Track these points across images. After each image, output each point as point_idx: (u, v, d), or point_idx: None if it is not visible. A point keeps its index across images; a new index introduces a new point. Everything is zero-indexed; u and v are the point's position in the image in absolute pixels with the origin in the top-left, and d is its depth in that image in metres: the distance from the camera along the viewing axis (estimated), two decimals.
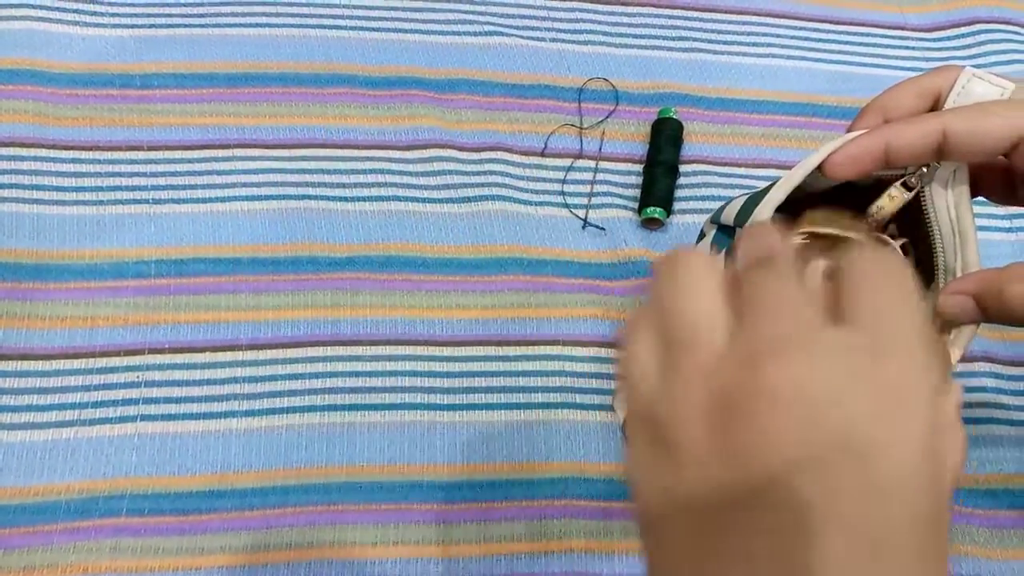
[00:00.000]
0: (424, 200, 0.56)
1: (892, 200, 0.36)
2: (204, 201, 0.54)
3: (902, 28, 0.68)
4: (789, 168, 0.62)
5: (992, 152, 0.33)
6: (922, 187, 0.36)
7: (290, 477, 0.47)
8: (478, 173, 0.57)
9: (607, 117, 0.61)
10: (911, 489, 0.22)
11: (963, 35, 0.67)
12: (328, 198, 0.55)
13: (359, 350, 0.51)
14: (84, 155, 0.55)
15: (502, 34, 0.63)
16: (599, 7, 0.65)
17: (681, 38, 0.65)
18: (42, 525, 0.45)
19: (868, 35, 0.67)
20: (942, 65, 0.36)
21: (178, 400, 0.49)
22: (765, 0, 0.67)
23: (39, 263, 0.51)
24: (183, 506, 0.46)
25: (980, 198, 0.38)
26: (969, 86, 0.35)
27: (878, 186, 0.37)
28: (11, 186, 0.53)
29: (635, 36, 0.64)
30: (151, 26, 0.60)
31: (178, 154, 0.55)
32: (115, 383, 0.49)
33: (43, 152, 0.54)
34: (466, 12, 0.63)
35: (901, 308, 0.24)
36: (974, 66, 0.36)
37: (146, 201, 0.54)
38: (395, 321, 0.52)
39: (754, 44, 0.65)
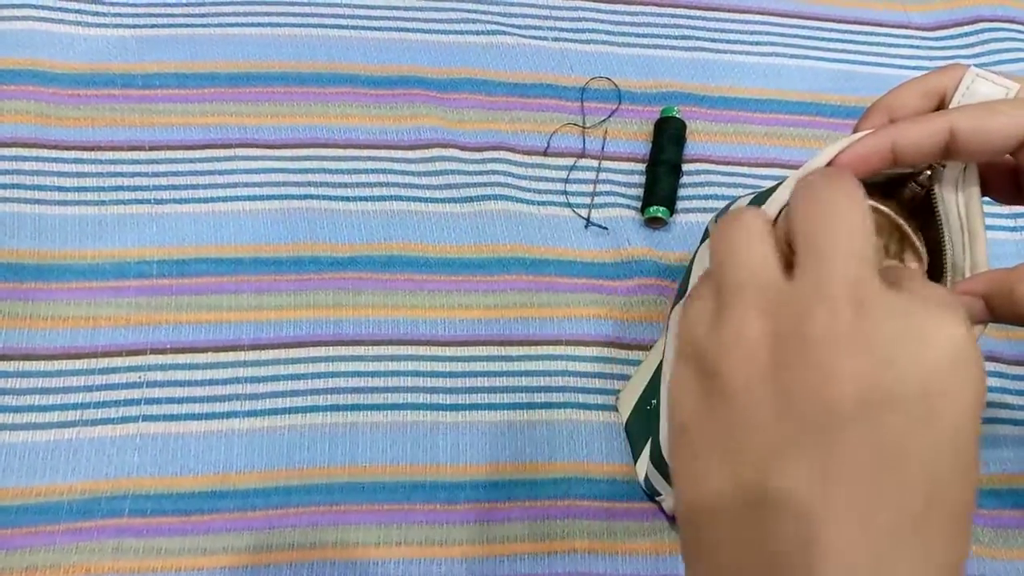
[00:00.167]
0: (426, 200, 0.56)
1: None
2: (206, 201, 0.54)
3: (906, 27, 0.68)
4: (792, 167, 0.62)
5: (999, 150, 0.33)
6: (932, 186, 0.36)
7: (292, 477, 0.47)
8: (480, 173, 0.57)
9: (610, 116, 0.60)
10: (964, 438, 0.24)
11: (966, 34, 0.67)
12: (330, 198, 0.55)
13: (361, 350, 0.51)
14: (86, 155, 0.55)
15: (504, 33, 0.63)
16: (602, 6, 0.65)
17: (684, 37, 0.64)
18: (44, 526, 0.45)
19: (872, 34, 0.67)
20: (946, 64, 0.36)
21: (180, 400, 0.49)
22: None
23: (41, 263, 0.51)
24: (185, 506, 0.46)
25: (985, 198, 0.38)
26: (974, 86, 0.35)
27: (887, 185, 0.37)
28: (13, 186, 0.53)
29: (638, 35, 0.64)
30: (153, 26, 0.60)
31: (180, 154, 0.55)
32: (117, 383, 0.49)
33: (45, 152, 0.54)
34: (468, 11, 0.63)
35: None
36: (978, 64, 0.36)
37: (148, 201, 0.54)
38: (397, 321, 0.52)
39: (757, 43, 0.65)
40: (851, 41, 0.66)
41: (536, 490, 0.48)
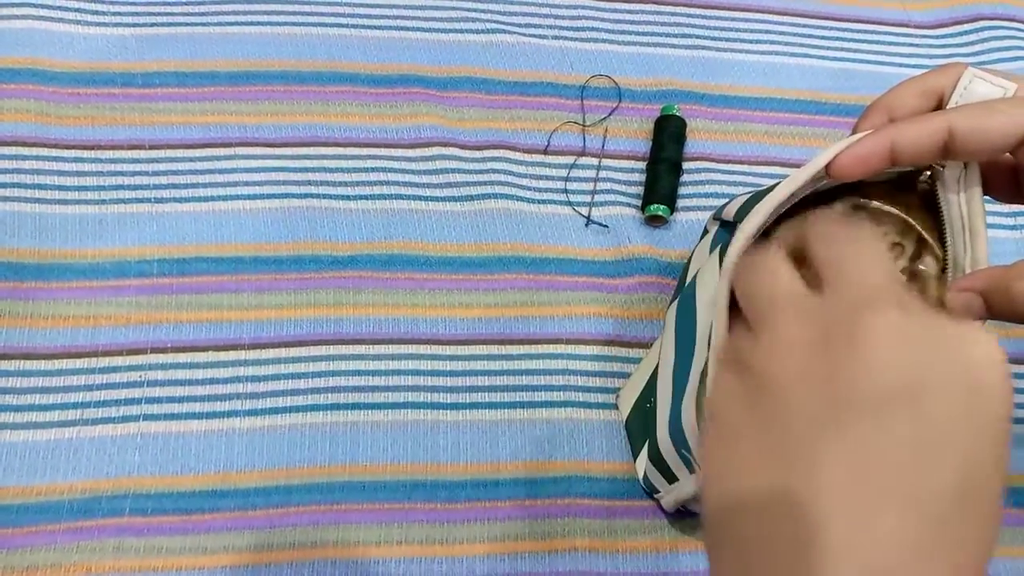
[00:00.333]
0: (427, 198, 0.56)
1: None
2: (206, 200, 0.54)
3: (905, 25, 0.68)
4: (792, 165, 0.62)
5: (998, 149, 0.33)
6: (934, 185, 0.36)
7: (293, 476, 0.47)
8: (481, 171, 0.57)
9: (610, 114, 0.60)
10: (1001, 436, 0.25)
11: (966, 32, 0.67)
12: (330, 196, 0.55)
13: (362, 349, 0.51)
14: (86, 154, 0.55)
15: (504, 31, 0.63)
16: (601, 4, 0.65)
17: (684, 35, 0.64)
18: (45, 525, 0.45)
19: (871, 32, 0.67)
20: (944, 64, 0.36)
21: (181, 399, 0.49)
22: None
23: (41, 262, 0.51)
24: (186, 505, 0.46)
25: (985, 196, 0.38)
26: (971, 87, 0.35)
27: (901, 181, 0.37)
28: (13, 185, 0.53)
29: (638, 33, 0.64)
30: (152, 24, 0.59)
31: (180, 153, 0.55)
32: (118, 382, 0.49)
33: (45, 151, 0.54)
34: (468, 10, 0.63)
35: None
36: (978, 62, 0.36)
37: (148, 200, 0.54)
38: (398, 320, 0.52)
39: (757, 41, 0.65)
40: (851, 39, 0.66)
41: (537, 488, 0.48)
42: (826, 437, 0.25)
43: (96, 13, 0.59)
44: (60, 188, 0.53)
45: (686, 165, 0.59)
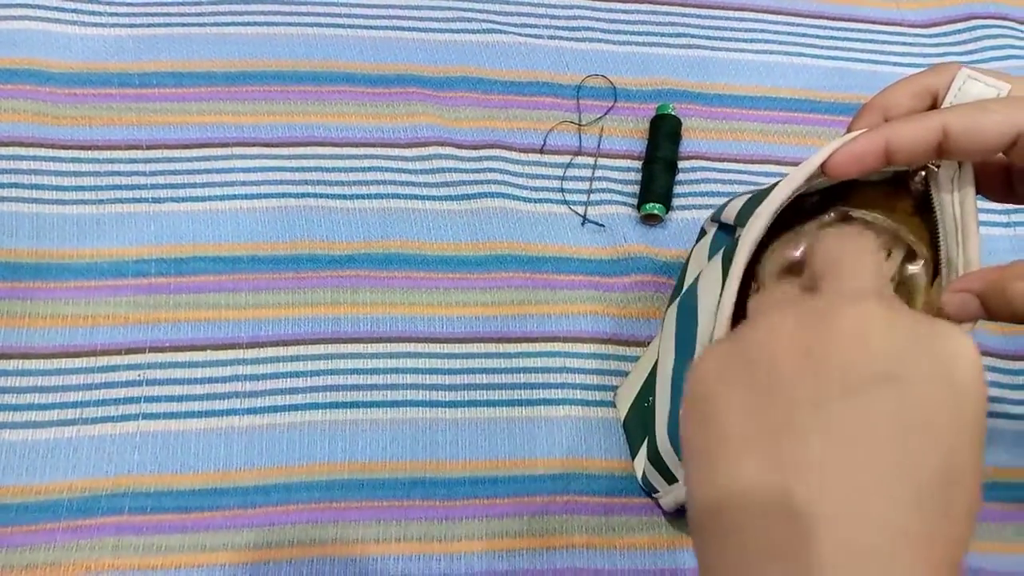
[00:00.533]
0: (423, 197, 0.56)
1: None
2: (203, 200, 0.54)
3: (899, 24, 0.68)
4: (787, 164, 0.62)
5: (991, 149, 0.34)
6: (928, 185, 0.36)
7: (292, 475, 0.48)
8: (477, 170, 0.57)
9: (605, 114, 0.61)
10: (982, 427, 0.26)
11: (960, 31, 0.67)
12: (327, 196, 0.55)
13: (360, 348, 0.51)
14: (83, 154, 0.55)
15: (500, 31, 0.63)
16: (597, 4, 0.65)
17: (679, 35, 0.65)
18: (44, 523, 0.45)
19: (865, 31, 0.67)
20: (938, 64, 0.37)
21: (180, 398, 0.49)
22: None
23: (39, 262, 0.51)
24: (185, 504, 0.46)
25: (978, 195, 0.38)
26: (966, 87, 0.35)
27: (896, 180, 0.38)
28: (11, 185, 0.53)
29: (633, 33, 0.64)
30: (149, 25, 0.60)
31: (177, 153, 0.56)
32: (116, 381, 0.49)
33: (42, 151, 0.54)
34: (464, 10, 0.63)
35: None
36: (971, 61, 0.36)
37: (145, 200, 0.54)
38: (395, 319, 0.52)
39: (751, 40, 0.65)
40: (845, 38, 0.67)
41: (535, 486, 0.49)
42: (812, 415, 0.25)
43: (93, 14, 0.59)
44: (57, 188, 0.53)
45: (682, 164, 0.59)
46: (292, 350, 0.51)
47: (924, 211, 0.37)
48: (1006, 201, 0.38)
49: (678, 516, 0.48)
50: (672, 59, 0.64)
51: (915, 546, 0.24)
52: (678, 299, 0.46)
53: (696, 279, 0.43)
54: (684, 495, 0.43)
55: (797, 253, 0.36)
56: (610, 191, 0.58)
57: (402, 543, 0.47)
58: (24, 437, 0.47)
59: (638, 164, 0.59)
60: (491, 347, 0.52)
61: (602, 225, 0.56)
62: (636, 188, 0.58)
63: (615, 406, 0.51)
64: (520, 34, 0.63)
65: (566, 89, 0.61)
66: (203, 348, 0.50)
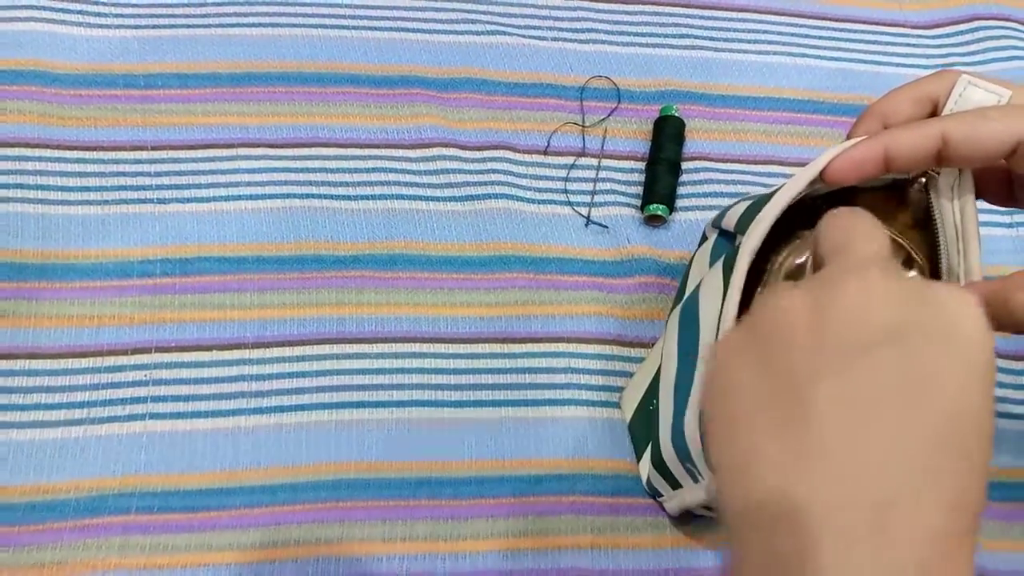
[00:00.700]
0: (428, 198, 0.56)
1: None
2: (208, 200, 0.54)
3: (902, 25, 0.68)
4: (790, 165, 0.62)
5: (991, 156, 0.34)
6: (928, 192, 0.37)
7: (298, 474, 0.48)
8: (481, 171, 0.57)
9: (609, 115, 0.61)
10: (989, 384, 0.26)
11: (962, 32, 0.68)
12: (332, 197, 0.55)
13: (365, 348, 0.51)
14: (88, 155, 0.55)
15: (504, 33, 0.63)
16: (600, 5, 0.65)
17: (682, 36, 0.65)
18: (52, 523, 0.45)
19: (868, 32, 0.67)
20: (939, 70, 0.37)
21: (186, 398, 0.49)
22: None
23: (44, 263, 0.51)
24: (192, 503, 0.47)
25: (979, 199, 0.38)
26: (967, 93, 0.35)
27: (894, 186, 0.38)
28: (16, 186, 0.53)
29: (636, 34, 0.64)
30: (154, 26, 0.60)
31: (182, 153, 0.56)
32: (123, 381, 0.49)
33: (48, 152, 0.54)
34: (468, 11, 0.64)
35: None
36: (973, 62, 0.36)
37: (150, 201, 0.54)
38: (400, 319, 0.52)
39: (755, 41, 0.66)
40: (848, 39, 0.67)
41: (540, 486, 0.49)
42: (820, 386, 0.26)
43: (98, 15, 0.60)
44: (63, 189, 0.54)
45: (685, 165, 0.59)
46: (297, 350, 0.51)
47: (924, 225, 0.37)
48: (1006, 205, 0.39)
49: (682, 517, 0.48)
50: (675, 60, 0.64)
51: (923, 497, 0.24)
52: (680, 305, 0.46)
53: (697, 286, 0.43)
54: (688, 501, 0.44)
55: (804, 258, 0.37)
56: (614, 192, 0.58)
57: (408, 543, 0.47)
58: (31, 437, 0.47)
59: (641, 165, 0.59)
60: (496, 347, 0.52)
61: (606, 226, 0.56)
62: (640, 189, 0.58)
63: (620, 407, 0.51)
64: (524, 36, 0.63)
65: (570, 90, 0.61)
66: (209, 348, 0.50)
